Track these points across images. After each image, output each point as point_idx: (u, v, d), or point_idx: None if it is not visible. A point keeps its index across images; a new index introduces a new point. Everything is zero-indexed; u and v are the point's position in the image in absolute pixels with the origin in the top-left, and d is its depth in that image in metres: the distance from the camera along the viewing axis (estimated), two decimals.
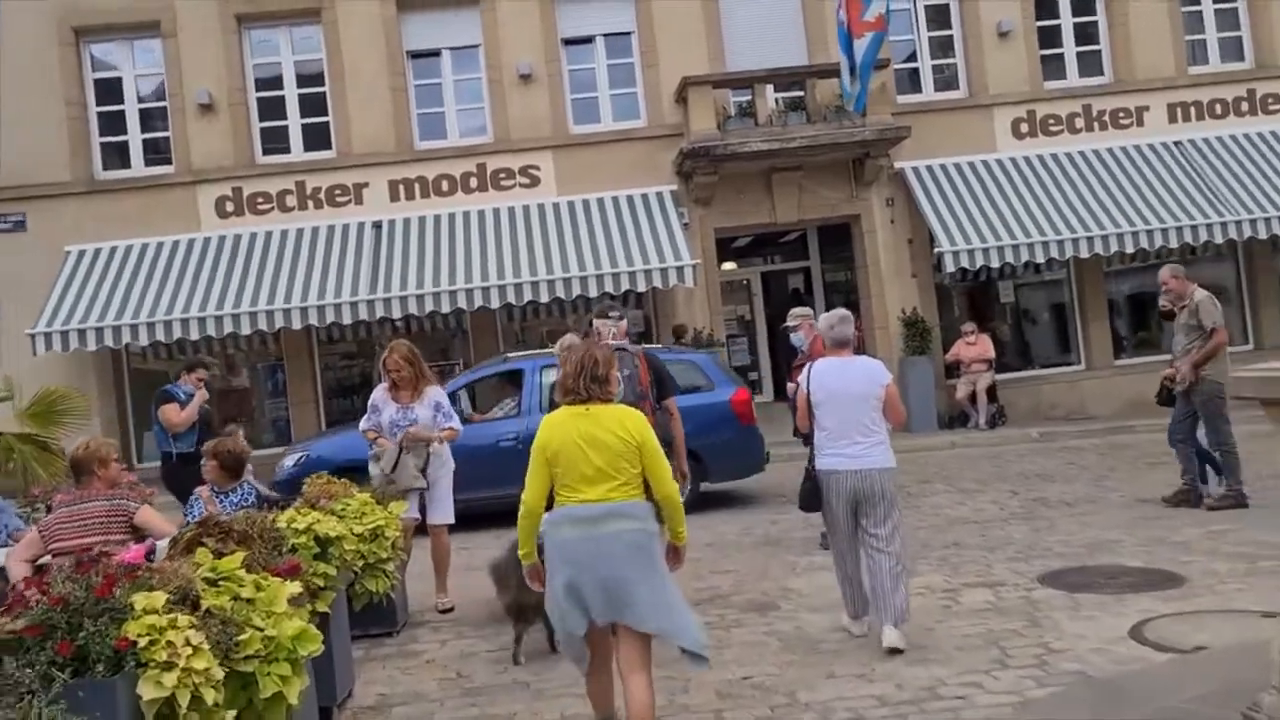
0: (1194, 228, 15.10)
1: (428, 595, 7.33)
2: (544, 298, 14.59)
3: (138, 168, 16.01)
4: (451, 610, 7.13)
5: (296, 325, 14.48)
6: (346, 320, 14.47)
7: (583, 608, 4.14)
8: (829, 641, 5.83)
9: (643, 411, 6.33)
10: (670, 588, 4.24)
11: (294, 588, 4.01)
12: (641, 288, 14.76)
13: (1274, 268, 17.09)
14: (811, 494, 5.97)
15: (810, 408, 5.86)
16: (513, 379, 11.59)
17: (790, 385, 8.58)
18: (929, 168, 16.21)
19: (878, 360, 6.16)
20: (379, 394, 7.34)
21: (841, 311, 6.14)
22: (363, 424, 7.36)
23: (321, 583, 4.88)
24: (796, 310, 8.70)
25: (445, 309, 14.57)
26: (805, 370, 6.03)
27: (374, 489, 6.87)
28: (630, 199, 15.90)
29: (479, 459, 9.50)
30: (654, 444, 4.27)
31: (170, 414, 9.19)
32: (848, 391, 5.72)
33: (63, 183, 15.59)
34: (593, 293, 14.63)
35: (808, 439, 8.31)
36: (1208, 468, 9.20)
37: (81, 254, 15.36)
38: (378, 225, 15.64)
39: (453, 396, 11.30)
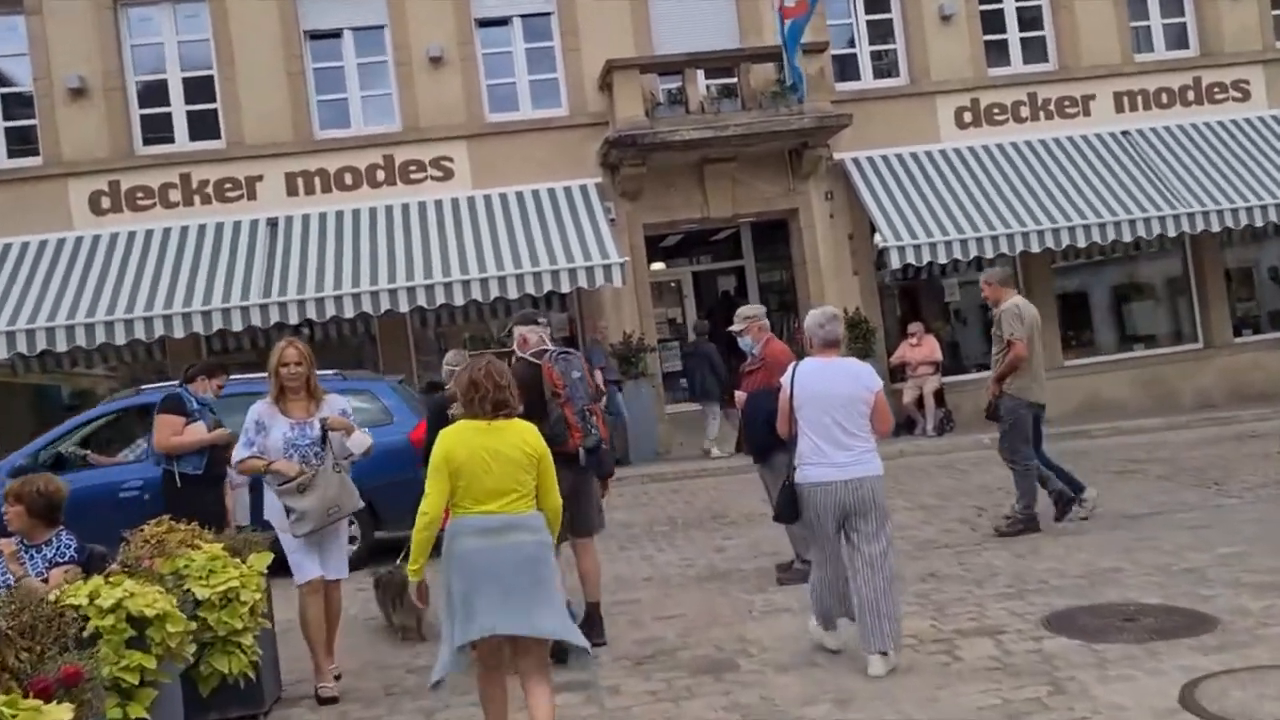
0: (1146, 220, 14.35)
1: (306, 659, 5.99)
2: (459, 300, 13.27)
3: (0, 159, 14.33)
4: (339, 679, 5.81)
5: (180, 333, 12.94)
6: (237, 326, 12.98)
7: (480, 618, 4.20)
8: (808, 718, 4.67)
9: (594, 414, 6.06)
10: (558, 593, 4.47)
11: (61, 713, 2.72)
12: (565, 288, 13.53)
13: (1223, 263, 16.49)
14: (789, 504, 5.46)
15: (792, 412, 5.42)
16: (144, 416, 9.58)
17: (739, 394, 7.42)
18: (870, 159, 15.25)
19: (867, 364, 5.67)
20: (262, 409, 5.76)
21: (830, 309, 5.72)
22: (239, 451, 5.77)
23: (135, 680, 3.57)
24: (744, 310, 7.52)
25: (349, 314, 13.16)
26: (790, 370, 5.55)
27: (309, 527, 5.53)
28: (552, 193, 14.67)
29: (93, 513, 7.43)
30: (549, 459, 4.44)
31: (166, 428, 6.83)
32: (831, 394, 5.29)
33: None
34: (512, 294, 13.37)
35: (759, 455, 7.23)
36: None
37: None
38: (273, 223, 14.16)
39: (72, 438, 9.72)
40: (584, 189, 14.74)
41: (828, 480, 5.20)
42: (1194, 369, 15.96)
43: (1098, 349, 16.38)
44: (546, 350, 6.06)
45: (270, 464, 5.65)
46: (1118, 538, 7.69)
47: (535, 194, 14.63)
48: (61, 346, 12.77)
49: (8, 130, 14.38)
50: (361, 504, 5.95)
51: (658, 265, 16.92)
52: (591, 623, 6.03)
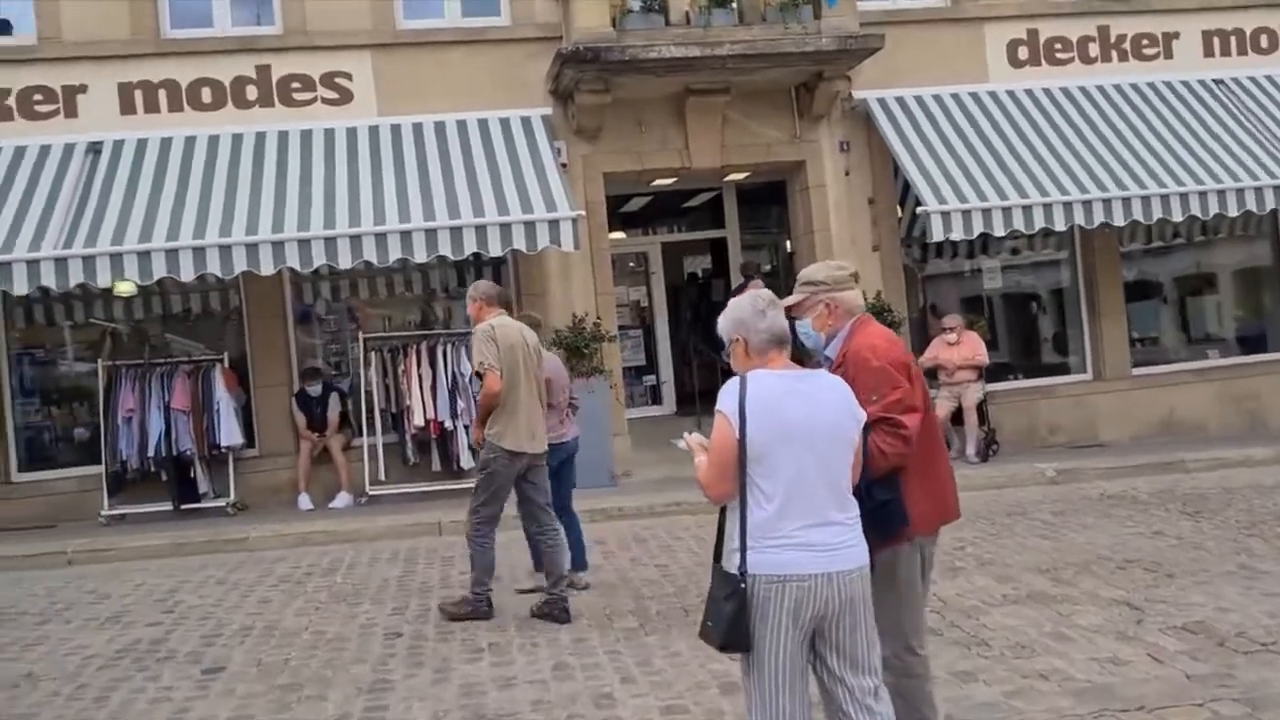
0: (1258, 191, 11.02)
1: None
2: (345, 262, 9.58)
3: None
4: None
5: None
6: (21, 288, 9.17)
7: None
8: None
9: None
10: None
11: None
12: (496, 251, 9.88)
13: None
14: (737, 620, 3.15)
15: (743, 460, 3.18)
16: None
17: None
18: (900, 100, 11.75)
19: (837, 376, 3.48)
20: None
21: (765, 292, 3.45)
22: None
23: None
24: (810, 272, 3.95)
25: (186, 275, 9.37)
26: (734, 391, 3.24)
27: None
28: (483, 125, 10.99)
29: None
30: None
31: None
32: (813, 427, 3.20)
33: None
34: (421, 255, 9.71)
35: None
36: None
37: None
38: (96, 148, 10.34)
39: None
40: (526, 122, 11.08)
41: (805, 571, 3.17)
42: None
43: (1170, 355, 13.07)
44: None
45: None
46: None
47: (461, 126, 10.95)
48: None
49: None
50: None
51: (617, 235, 13.36)
52: None
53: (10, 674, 5.84)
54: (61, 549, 9.15)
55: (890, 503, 3.55)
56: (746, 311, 3.32)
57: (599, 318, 11.07)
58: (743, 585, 3.16)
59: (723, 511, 3.38)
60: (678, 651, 5.61)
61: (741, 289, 12.34)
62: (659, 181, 12.57)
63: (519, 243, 9.77)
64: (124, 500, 10.42)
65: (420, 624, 6.44)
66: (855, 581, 3.23)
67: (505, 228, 9.73)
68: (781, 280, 13.67)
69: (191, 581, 7.97)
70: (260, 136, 10.60)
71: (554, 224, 9.78)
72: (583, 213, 10.19)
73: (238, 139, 10.56)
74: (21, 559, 9.03)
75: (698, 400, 12.62)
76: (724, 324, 3.40)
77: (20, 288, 9.11)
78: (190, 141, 10.45)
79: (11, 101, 10.44)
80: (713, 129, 11.52)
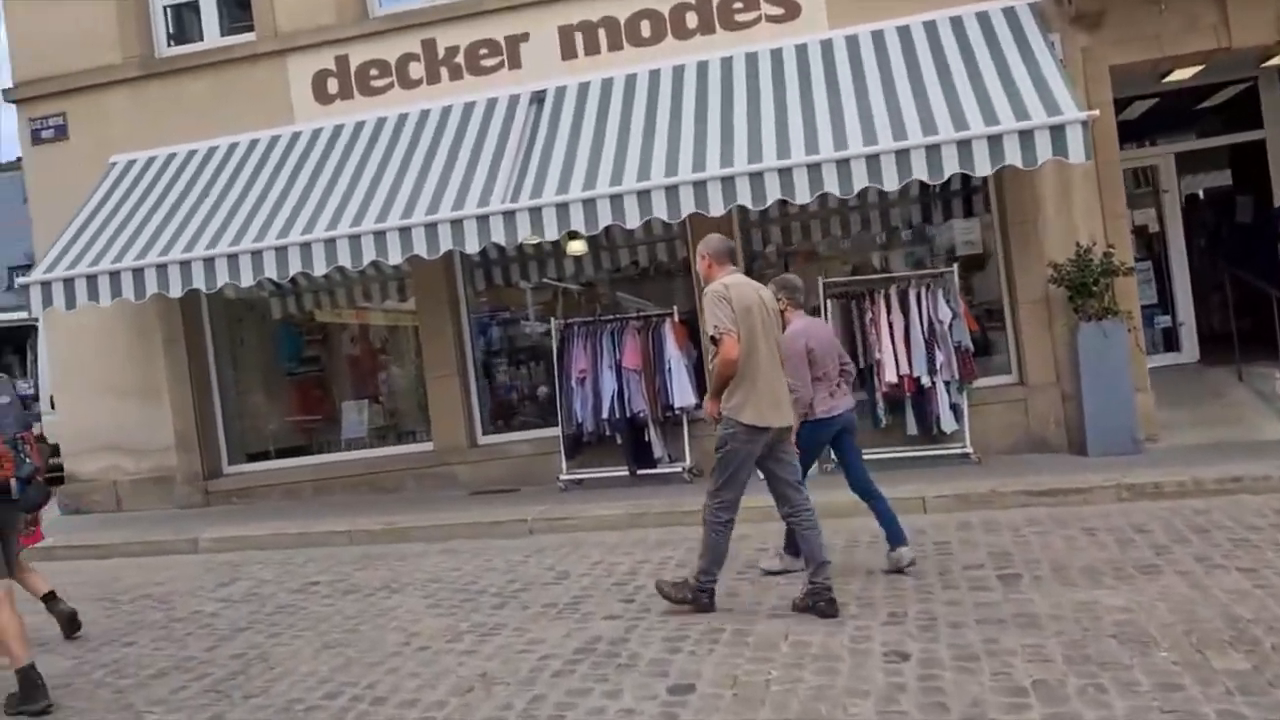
0: None
1: None
2: (802, 195, 8.25)
3: (211, 38, 11.08)
4: None
5: (422, 250, 8.88)
6: (472, 246, 8.82)
7: None
8: None
9: (26, 441, 5.58)
10: None
11: None
12: (984, 169, 8.07)
13: None
14: None
15: None
16: None
17: None
18: None
19: None
20: None
21: None
22: None
23: None
24: None
25: (631, 222, 8.49)
26: None
27: None
28: (957, 23, 9.23)
29: None
30: None
31: None
32: None
33: (109, 67, 10.92)
34: (892, 183, 8.15)
35: None
36: None
37: (130, 165, 10.68)
38: (539, 97, 9.86)
39: None
40: (1010, 14, 9.16)
41: None
42: None
43: None
44: None
45: None
46: None
47: (929, 28, 9.27)
48: (272, 272, 9.23)
49: (219, 1, 11.11)
50: None
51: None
52: (28, 689, 5.06)
53: (466, 673, 5.18)
54: (522, 517, 8.74)
55: None
56: None
57: (1110, 246, 8.93)
58: None
59: None
60: None
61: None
62: (1175, 75, 10.09)
63: (1012, 157, 7.91)
64: (581, 464, 9.96)
65: (928, 640, 4.98)
66: None
67: (995, 140, 7.92)
68: None
69: (651, 562, 7.11)
70: (702, 66, 9.59)
71: (1058, 130, 7.81)
72: (1096, 113, 8.10)
73: (679, 70, 9.62)
74: (486, 526, 8.73)
75: (1236, 345, 10.04)
76: None
77: (471, 245, 8.76)
78: (630, 80, 9.66)
79: (460, 59, 10.25)
80: None
